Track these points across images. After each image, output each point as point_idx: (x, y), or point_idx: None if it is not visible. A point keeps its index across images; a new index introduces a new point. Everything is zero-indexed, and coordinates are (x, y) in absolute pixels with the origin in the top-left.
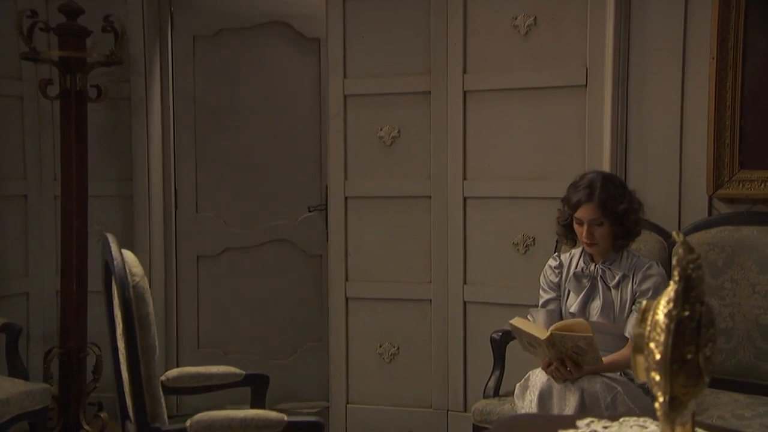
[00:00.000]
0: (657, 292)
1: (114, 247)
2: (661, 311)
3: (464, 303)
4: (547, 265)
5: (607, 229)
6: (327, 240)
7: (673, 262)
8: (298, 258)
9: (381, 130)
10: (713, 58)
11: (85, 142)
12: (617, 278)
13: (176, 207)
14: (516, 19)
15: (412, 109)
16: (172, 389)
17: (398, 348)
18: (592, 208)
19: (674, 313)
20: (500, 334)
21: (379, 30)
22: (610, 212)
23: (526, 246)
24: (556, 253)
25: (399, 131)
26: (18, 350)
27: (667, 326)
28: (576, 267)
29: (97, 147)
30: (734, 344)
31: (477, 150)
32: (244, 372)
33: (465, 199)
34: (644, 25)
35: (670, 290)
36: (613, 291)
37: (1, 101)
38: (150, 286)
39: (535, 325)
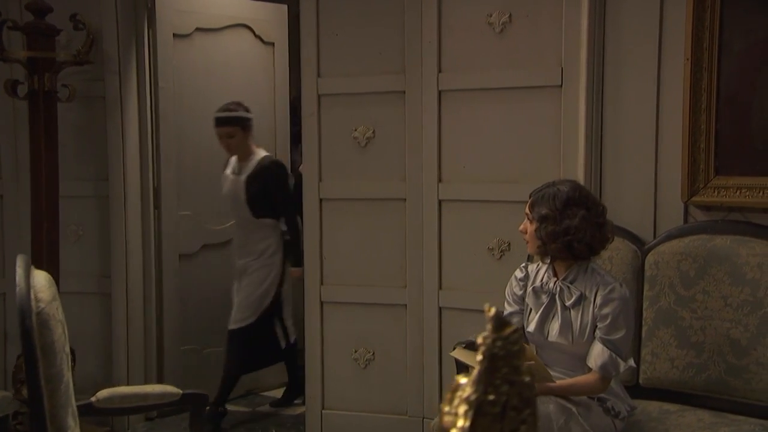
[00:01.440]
0: (615, 320)
1: (20, 270)
2: (462, 395)
3: (439, 309)
4: (513, 276)
5: (532, 230)
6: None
7: (479, 340)
8: None
9: (356, 130)
10: (688, 59)
11: (55, 142)
12: (574, 297)
13: (156, 206)
14: (491, 16)
15: (387, 108)
16: (102, 410)
17: (374, 353)
18: (529, 202)
19: (473, 398)
20: (464, 345)
21: (354, 27)
22: (536, 213)
23: (501, 251)
24: (524, 264)
25: (374, 132)
26: None
27: (466, 413)
28: (540, 281)
29: (73, 147)
30: (704, 359)
31: (452, 152)
32: (181, 391)
33: (440, 201)
34: (619, 24)
35: (473, 373)
36: (571, 311)
37: None
38: (126, 287)
39: (473, 355)
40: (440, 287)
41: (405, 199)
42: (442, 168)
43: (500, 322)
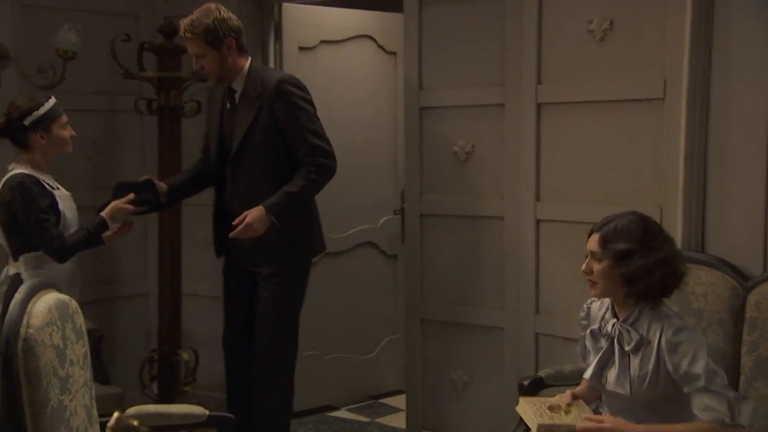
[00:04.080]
0: (695, 358)
1: (17, 296)
2: None
3: (536, 335)
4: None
5: (607, 268)
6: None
7: None
8: (379, 258)
9: (455, 144)
10: None
11: (178, 154)
12: (634, 342)
13: None
14: (592, 23)
15: (486, 122)
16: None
17: (471, 376)
18: (595, 238)
19: None
20: (528, 381)
21: (455, 38)
22: (611, 249)
23: None
24: (590, 300)
25: (473, 146)
26: (100, 354)
27: None
28: (599, 322)
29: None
30: None
31: (550, 169)
32: (207, 412)
33: (538, 221)
34: (728, 32)
35: None
36: (631, 356)
37: (123, 116)
38: None
39: (532, 412)
40: (537, 312)
41: (503, 218)
42: (540, 186)
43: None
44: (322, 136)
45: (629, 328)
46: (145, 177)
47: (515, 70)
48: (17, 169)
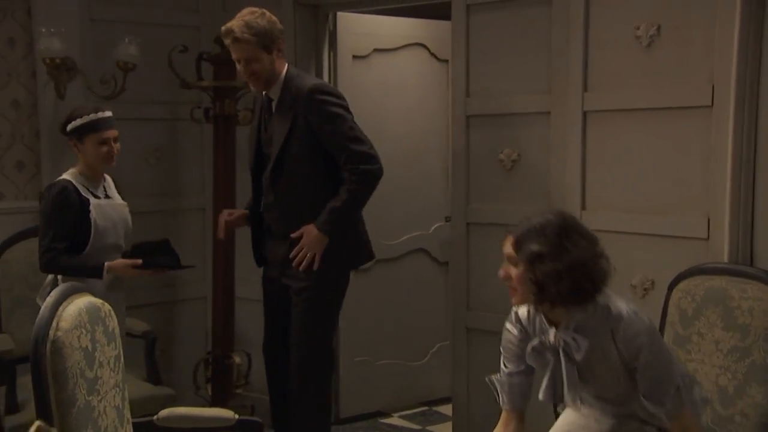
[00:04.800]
0: (657, 360)
1: (49, 300)
2: None
3: None
4: (504, 330)
5: (523, 273)
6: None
7: None
8: (430, 265)
9: (502, 152)
10: None
11: (232, 160)
12: (584, 349)
13: None
14: (638, 28)
15: (532, 130)
16: (162, 428)
17: None
18: (510, 241)
19: None
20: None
21: (502, 46)
22: (524, 252)
23: (644, 289)
24: (513, 313)
25: (519, 154)
26: (153, 356)
27: None
28: (536, 333)
29: None
30: None
31: (596, 178)
32: (236, 416)
33: None
34: None
35: None
36: (584, 363)
37: (184, 124)
38: None
39: None
40: None
41: None
42: (586, 195)
43: None
44: (362, 140)
45: (575, 336)
46: (164, 238)
47: (561, 77)
48: (64, 174)
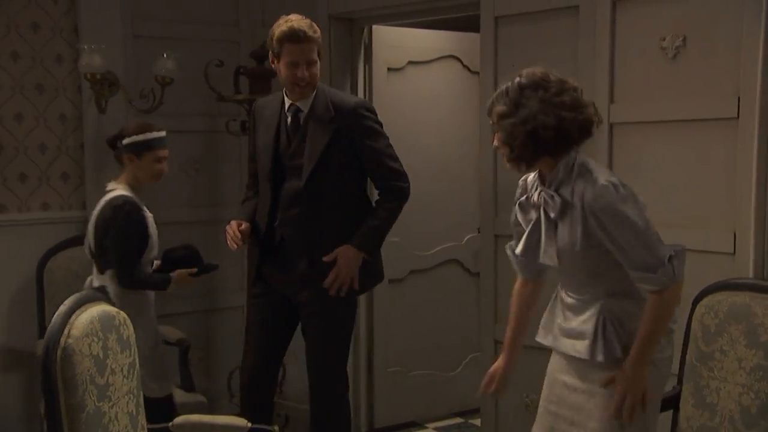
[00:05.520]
0: (621, 228)
1: (62, 308)
2: None
3: None
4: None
5: (496, 137)
6: None
7: None
8: (463, 275)
9: None
10: None
11: None
12: (558, 207)
13: None
14: (664, 39)
15: None
16: None
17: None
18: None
19: None
20: None
21: (530, 58)
22: (494, 117)
23: None
24: (522, 179)
25: None
26: (187, 363)
27: None
28: (529, 191)
29: None
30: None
31: None
32: (249, 425)
33: None
34: None
35: None
36: (559, 224)
37: (223, 136)
38: None
39: None
40: None
41: None
42: None
43: None
44: (397, 159)
45: (553, 193)
46: (186, 243)
47: (588, 89)
48: (118, 190)
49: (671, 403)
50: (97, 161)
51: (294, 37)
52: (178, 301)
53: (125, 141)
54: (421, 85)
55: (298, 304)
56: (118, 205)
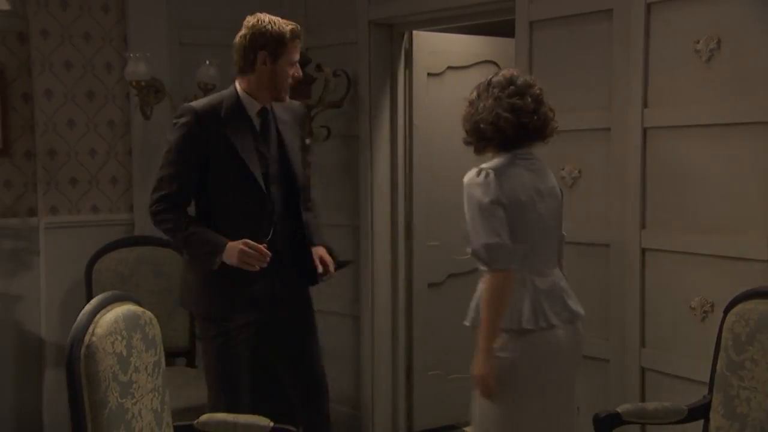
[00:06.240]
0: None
1: (88, 307)
2: None
3: (642, 369)
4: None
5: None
6: None
7: None
8: None
9: (563, 169)
10: None
11: (307, 178)
12: None
13: (408, 237)
14: (698, 42)
15: (593, 147)
16: None
17: (578, 408)
18: None
19: None
20: (604, 415)
21: (564, 62)
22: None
23: (704, 312)
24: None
25: (580, 171)
26: None
27: None
28: None
29: (335, 180)
30: None
31: (656, 196)
32: (271, 424)
33: (643, 250)
34: None
35: None
36: None
37: None
38: (372, 312)
39: None
40: (643, 345)
41: (608, 245)
42: (646, 213)
43: None
44: None
45: None
46: None
47: (621, 93)
48: None
49: (701, 412)
50: (144, 166)
51: (298, 35)
52: None
53: None
54: (459, 90)
55: (278, 319)
56: None
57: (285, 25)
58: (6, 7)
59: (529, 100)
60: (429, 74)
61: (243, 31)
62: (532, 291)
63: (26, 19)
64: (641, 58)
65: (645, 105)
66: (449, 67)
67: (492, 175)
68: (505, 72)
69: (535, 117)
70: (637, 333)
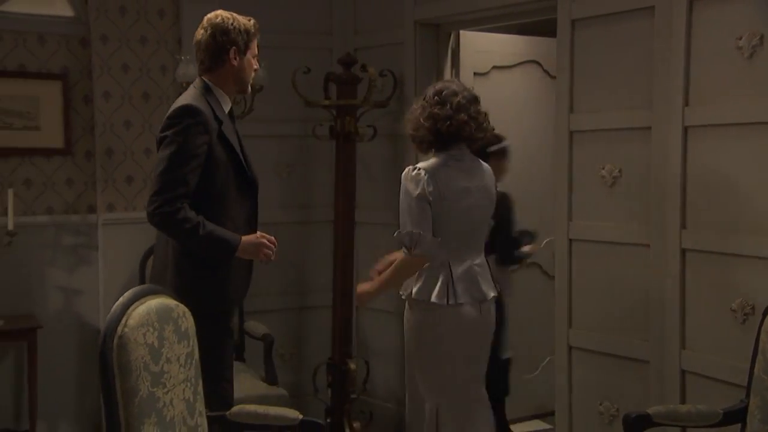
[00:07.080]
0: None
1: (121, 299)
2: None
3: (682, 372)
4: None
5: None
6: None
7: None
8: (541, 278)
9: (603, 168)
10: None
11: (352, 178)
12: None
13: None
14: (740, 39)
15: (633, 146)
16: (233, 423)
17: (617, 409)
18: None
19: None
20: (635, 416)
21: (605, 61)
22: None
23: (744, 314)
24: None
25: (620, 170)
26: (272, 357)
27: None
28: None
29: (380, 178)
30: None
31: (696, 195)
32: (300, 416)
33: (683, 251)
34: None
35: None
36: None
37: (314, 141)
38: None
39: None
40: (683, 347)
41: (648, 245)
42: (687, 213)
43: None
44: None
45: None
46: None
47: (662, 91)
48: None
49: (737, 416)
50: None
51: (258, 28)
52: (268, 299)
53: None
54: (504, 89)
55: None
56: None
57: (247, 20)
58: (70, 13)
59: (448, 107)
60: (475, 74)
61: (209, 30)
62: (446, 273)
63: (87, 25)
64: (682, 55)
65: (686, 103)
66: (494, 67)
67: (422, 173)
68: (439, 84)
69: (449, 123)
70: (677, 335)
